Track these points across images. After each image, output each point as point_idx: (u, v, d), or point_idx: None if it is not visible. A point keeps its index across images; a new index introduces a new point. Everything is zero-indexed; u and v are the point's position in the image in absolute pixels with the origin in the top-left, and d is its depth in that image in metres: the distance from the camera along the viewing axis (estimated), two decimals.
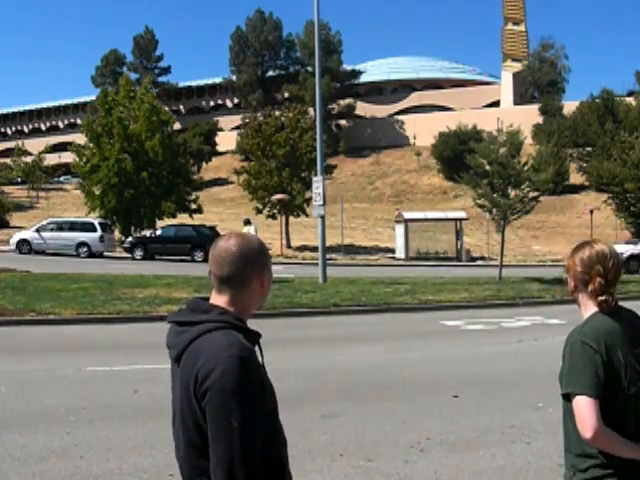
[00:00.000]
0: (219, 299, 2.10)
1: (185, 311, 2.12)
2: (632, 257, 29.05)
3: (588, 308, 2.48)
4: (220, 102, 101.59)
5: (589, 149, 56.25)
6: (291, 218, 41.16)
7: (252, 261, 2.08)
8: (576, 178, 59.53)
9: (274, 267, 2.28)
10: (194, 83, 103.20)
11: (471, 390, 8.02)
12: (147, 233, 34.94)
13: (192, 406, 1.96)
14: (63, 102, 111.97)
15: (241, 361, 1.91)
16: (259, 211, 41.15)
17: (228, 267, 2.07)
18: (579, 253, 2.50)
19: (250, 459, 1.88)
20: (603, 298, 2.42)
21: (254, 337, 2.06)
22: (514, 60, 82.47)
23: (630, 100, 64.71)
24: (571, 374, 2.32)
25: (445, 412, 7.08)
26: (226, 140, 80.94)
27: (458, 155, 50.67)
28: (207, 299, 2.13)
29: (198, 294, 15.46)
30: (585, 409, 2.25)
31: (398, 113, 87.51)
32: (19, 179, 74.12)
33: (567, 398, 2.35)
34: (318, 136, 21.87)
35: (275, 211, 39.99)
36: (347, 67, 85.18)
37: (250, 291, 2.10)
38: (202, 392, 1.91)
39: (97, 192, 37.68)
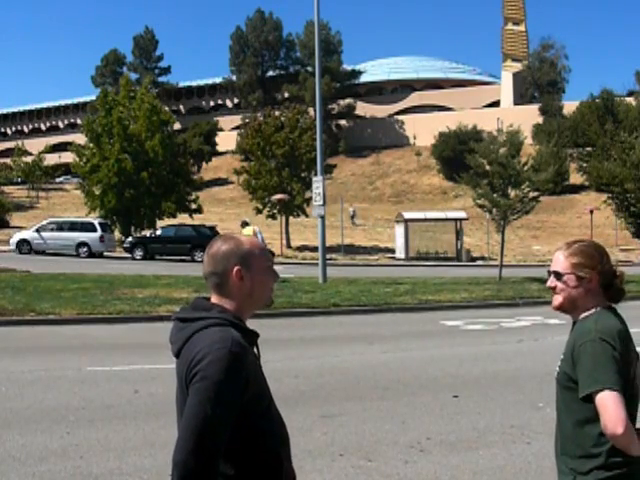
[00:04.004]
0: (213, 299, 2.18)
1: (187, 309, 2.20)
2: None
3: (588, 305, 2.49)
4: (220, 102, 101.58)
5: (589, 149, 56.17)
6: (291, 218, 41.14)
7: (226, 257, 2.14)
8: (576, 178, 59.55)
9: (274, 267, 2.30)
10: (194, 83, 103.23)
11: (471, 390, 8.02)
12: (147, 233, 34.96)
13: (185, 397, 2.02)
14: (63, 102, 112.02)
15: (231, 355, 1.97)
16: (259, 211, 41.14)
17: (207, 266, 2.17)
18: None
19: (211, 449, 1.93)
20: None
21: (252, 336, 2.12)
22: (514, 60, 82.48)
23: (630, 100, 64.77)
24: (596, 371, 2.29)
25: (445, 412, 7.08)
26: (226, 140, 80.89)
27: (458, 155, 50.67)
28: (209, 299, 2.20)
29: (198, 294, 15.46)
30: (615, 404, 2.22)
31: (398, 113, 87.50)
32: (19, 179, 74.13)
33: (587, 397, 2.30)
34: (318, 136, 21.86)
35: (275, 211, 39.97)
36: (347, 67, 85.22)
37: (231, 285, 2.14)
38: (190, 378, 1.99)
39: (97, 192, 37.71)
